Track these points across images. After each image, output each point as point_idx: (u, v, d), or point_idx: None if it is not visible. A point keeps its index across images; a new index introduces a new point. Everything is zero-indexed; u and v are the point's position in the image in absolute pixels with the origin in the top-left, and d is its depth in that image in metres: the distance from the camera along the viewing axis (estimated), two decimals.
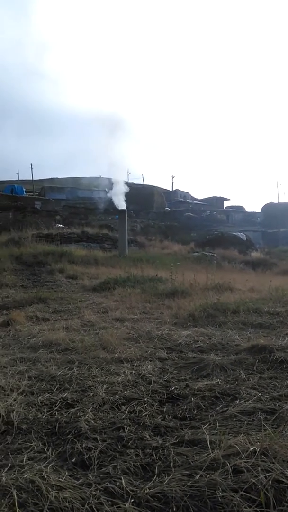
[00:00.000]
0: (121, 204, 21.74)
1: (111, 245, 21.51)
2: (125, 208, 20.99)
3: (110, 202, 28.98)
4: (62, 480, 2.12)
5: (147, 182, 60.47)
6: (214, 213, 50.24)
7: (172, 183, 61.86)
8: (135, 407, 2.94)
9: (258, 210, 54.14)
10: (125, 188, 24.66)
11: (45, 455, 2.38)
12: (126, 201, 27.95)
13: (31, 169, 53.80)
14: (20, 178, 57.03)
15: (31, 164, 62.54)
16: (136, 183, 57.78)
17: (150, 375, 3.57)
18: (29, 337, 5.03)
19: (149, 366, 3.80)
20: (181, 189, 62.79)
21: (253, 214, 55.02)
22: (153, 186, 55.92)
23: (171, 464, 2.24)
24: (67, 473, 2.19)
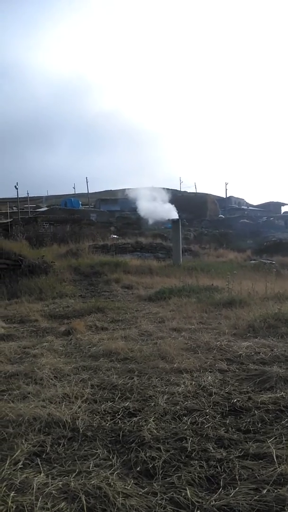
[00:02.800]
0: (174, 214, 21.81)
1: (165, 254, 21.58)
2: (178, 217, 21.03)
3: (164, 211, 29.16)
4: (128, 487, 2.17)
5: (199, 190, 60.21)
6: (271, 218, 48.72)
7: (226, 189, 60.94)
8: (197, 419, 2.94)
9: None
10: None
11: (110, 462, 2.44)
12: (178, 209, 27.98)
13: (87, 182, 55.65)
14: (76, 192, 59.15)
15: (86, 178, 64.89)
16: (188, 191, 57.71)
17: (210, 387, 3.54)
18: (90, 345, 5.18)
19: (209, 377, 3.77)
20: (235, 195, 61.75)
21: None
22: (206, 194, 55.47)
23: (237, 477, 2.22)
24: (132, 481, 2.24)
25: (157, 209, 24.21)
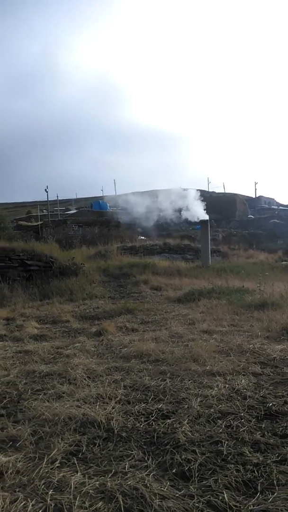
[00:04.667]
0: (203, 215, 21.74)
1: (193, 256, 21.48)
2: (207, 218, 20.91)
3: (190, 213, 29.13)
4: (164, 489, 2.17)
5: (228, 190, 59.48)
6: None
7: (255, 189, 59.88)
8: (231, 422, 2.91)
9: None
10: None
11: (145, 464, 2.45)
12: (206, 210, 27.86)
13: (114, 184, 56.13)
14: (104, 194, 59.65)
15: (114, 180, 65.45)
16: (217, 191, 57.19)
17: (244, 390, 3.49)
18: (121, 346, 5.21)
19: (243, 380, 3.72)
20: (265, 195, 60.61)
21: None
22: (235, 194, 54.75)
23: (274, 482, 2.18)
24: (168, 483, 2.24)
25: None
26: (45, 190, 40.55)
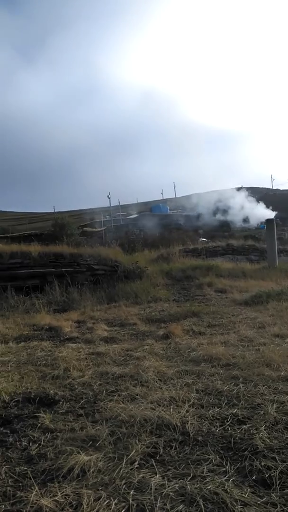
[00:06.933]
0: (268, 213, 21.09)
1: (258, 257, 20.82)
2: (273, 216, 20.23)
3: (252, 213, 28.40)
4: (245, 496, 2.14)
5: None
6: None
7: None
8: None
9: None
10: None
11: (224, 469, 2.43)
12: (271, 208, 27.03)
13: (174, 187, 56.23)
14: (164, 197, 59.99)
15: (173, 183, 65.63)
16: (281, 189, 55.16)
17: None
18: (189, 350, 5.21)
19: None
20: None
21: None
22: None
23: None
24: (249, 489, 2.21)
25: None
26: (108, 196, 41.80)
